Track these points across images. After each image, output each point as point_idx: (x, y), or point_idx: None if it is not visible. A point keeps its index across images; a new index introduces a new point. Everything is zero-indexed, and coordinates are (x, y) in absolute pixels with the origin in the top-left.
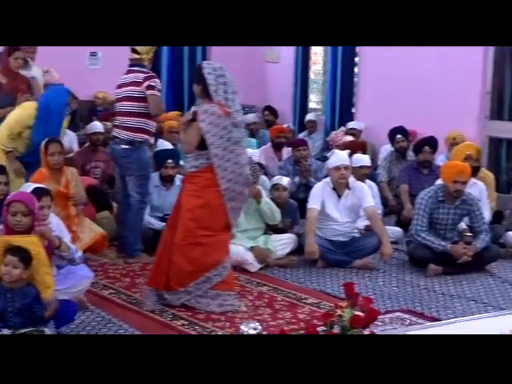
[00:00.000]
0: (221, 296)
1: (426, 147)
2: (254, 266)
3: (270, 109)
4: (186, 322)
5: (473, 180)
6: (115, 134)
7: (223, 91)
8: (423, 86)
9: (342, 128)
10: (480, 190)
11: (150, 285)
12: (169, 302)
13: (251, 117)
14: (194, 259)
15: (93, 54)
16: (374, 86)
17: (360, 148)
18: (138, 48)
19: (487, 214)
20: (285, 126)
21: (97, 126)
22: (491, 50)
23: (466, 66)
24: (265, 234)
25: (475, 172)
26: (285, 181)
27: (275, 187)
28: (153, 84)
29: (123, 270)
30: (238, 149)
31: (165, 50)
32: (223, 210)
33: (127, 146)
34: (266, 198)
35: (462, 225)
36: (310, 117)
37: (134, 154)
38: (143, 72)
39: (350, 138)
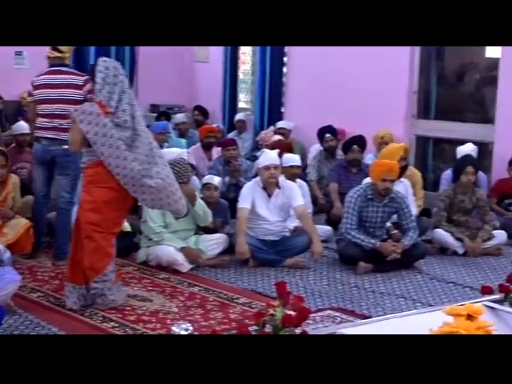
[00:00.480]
0: (118, 287)
1: (355, 146)
2: (185, 267)
3: (199, 108)
4: (116, 324)
5: (401, 179)
6: (51, 136)
7: (108, 91)
8: (351, 85)
9: (272, 127)
10: (405, 187)
11: (70, 281)
12: (88, 301)
13: (180, 117)
14: (89, 254)
15: (18, 54)
16: (303, 85)
17: (286, 148)
18: (60, 47)
19: (413, 211)
20: (214, 125)
21: (23, 126)
22: (417, 50)
23: (393, 66)
24: (196, 234)
25: (403, 171)
26: (216, 180)
27: (206, 187)
28: (91, 88)
29: (52, 273)
30: (124, 146)
31: (92, 49)
32: (113, 207)
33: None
34: (199, 200)
35: (387, 222)
36: (239, 116)
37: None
38: (77, 74)
39: (278, 138)
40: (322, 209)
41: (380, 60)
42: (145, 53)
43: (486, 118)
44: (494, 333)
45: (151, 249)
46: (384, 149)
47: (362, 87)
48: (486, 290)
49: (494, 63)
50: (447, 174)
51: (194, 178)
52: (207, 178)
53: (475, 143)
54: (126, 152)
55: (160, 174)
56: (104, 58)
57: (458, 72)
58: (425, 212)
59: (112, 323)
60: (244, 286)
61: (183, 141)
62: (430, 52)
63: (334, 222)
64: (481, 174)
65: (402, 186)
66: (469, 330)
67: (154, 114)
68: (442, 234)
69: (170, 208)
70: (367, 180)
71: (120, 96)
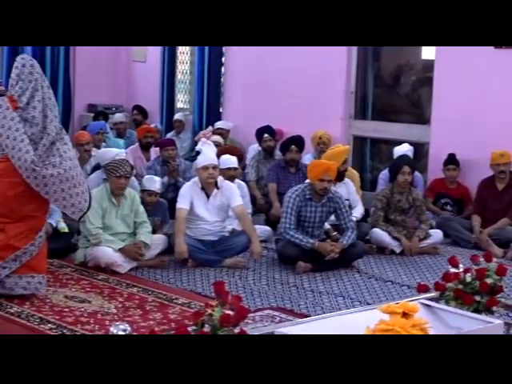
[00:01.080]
0: (24, 278)
1: (293, 146)
2: (124, 268)
3: (138, 108)
4: (53, 326)
5: (343, 181)
6: None
7: (20, 87)
8: (289, 85)
9: (210, 127)
10: (347, 187)
11: None
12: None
13: (118, 116)
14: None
15: None
16: (241, 85)
17: (233, 154)
18: None
19: (360, 209)
20: (152, 125)
21: None
22: (354, 50)
23: (330, 67)
24: (134, 235)
25: (344, 174)
26: (157, 185)
27: (147, 192)
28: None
29: None
30: (27, 140)
31: (29, 49)
32: (23, 200)
33: None
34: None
35: (327, 224)
36: (177, 116)
37: None
38: None
39: (218, 138)
40: (261, 209)
41: (317, 60)
42: (81, 52)
43: (422, 118)
44: (430, 330)
45: (89, 250)
46: (329, 150)
47: (299, 87)
48: (423, 289)
49: (430, 64)
50: (384, 173)
51: (133, 178)
52: (148, 180)
53: (411, 143)
54: (27, 146)
55: (63, 164)
56: (22, 55)
57: (395, 73)
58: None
59: (50, 325)
60: (183, 287)
61: (121, 141)
62: (366, 53)
63: (272, 222)
64: (417, 173)
65: (345, 188)
66: (404, 327)
67: (92, 114)
68: (380, 234)
69: (71, 201)
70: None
71: (33, 93)
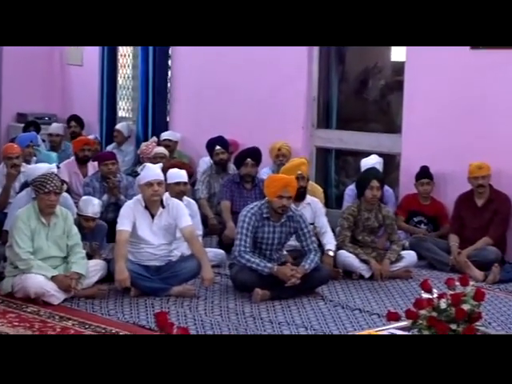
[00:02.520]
0: None
1: (249, 159)
2: (57, 298)
3: (76, 119)
4: None
5: (306, 201)
6: None
7: None
8: (244, 91)
9: (154, 138)
10: (313, 207)
11: None
12: None
13: (55, 127)
14: None
15: None
16: (191, 91)
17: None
18: None
19: (331, 237)
20: (90, 137)
21: None
22: (316, 52)
23: (290, 70)
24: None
25: (304, 193)
26: (96, 209)
27: (84, 218)
28: None
29: None
30: None
31: None
32: None
33: None
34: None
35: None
36: (118, 127)
37: None
38: None
39: (163, 150)
40: (213, 230)
41: (275, 63)
42: (9, 53)
43: (392, 127)
44: None
45: (17, 278)
46: (287, 163)
47: (255, 93)
48: (393, 317)
49: (400, 67)
50: (350, 189)
51: (66, 195)
52: (84, 203)
53: (380, 155)
54: None
55: None
56: None
57: (362, 77)
58: None
59: None
60: (125, 319)
61: (53, 154)
62: (329, 54)
63: (226, 245)
64: (387, 188)
65: (310, 210)
66: None
67: (21, 125)
68: (347, 256)
69: None
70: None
71: None
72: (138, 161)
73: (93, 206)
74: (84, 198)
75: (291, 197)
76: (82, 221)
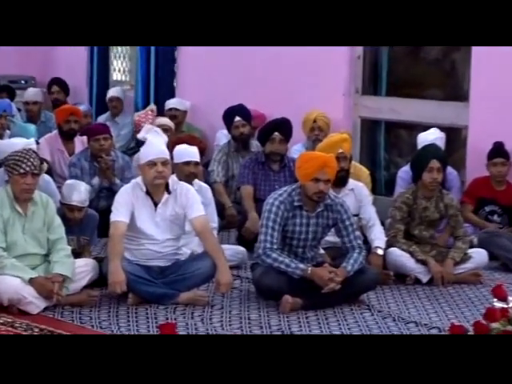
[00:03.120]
0: None
1: (276, 133)
2: (36, 306)
3: (57, 82)
4: None
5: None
6: None
7: None
8: (270, 49)
9: (152, 106)
10: (358, 195)
11: None
12: None
13: (32, 93)
14: None
15: None
16: (203, 48)
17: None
18: None
19: (380, 232)
20: (79, 106)
21: None
22: None
23: None
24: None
25: (347, 176)
26: (82, 196)
27: (69, 207)
28: None
29: None
30: None
31: None
32: None
33: None
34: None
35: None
36: (112, 93)
37: None
38: None
39: (167, 122)
40: (232, 222)
41: None
42: None
43: (457, 93)
44: None
45: None
46: (326, 139)
47: (284, 50)
48: (458, 331)
49: None
50: (404, 171)
51: (48, 178)
52: (68, 189)
53: (442, 128)
54: None
55: None
56: None
57: None
58: None
59: None
60: (121, 332)
61: (31, 127)
62: None
63: (248, 241)
64: (450, 170)
65: (353, 197)
66: None
67: None
68: (399, 255)
69: None
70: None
71: None
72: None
73: (79, 192)
74: (68, 181)
75: (329, 180)
76: (66, 211)
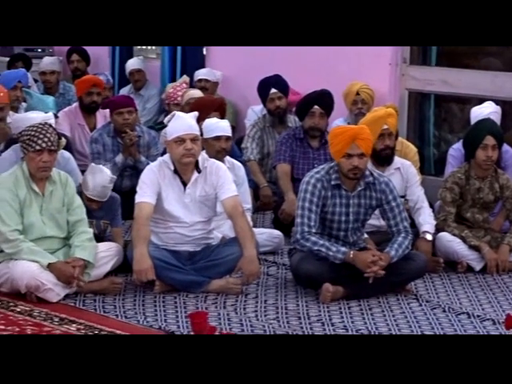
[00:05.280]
0: None
1: (316, 107)
2: (56, 293)
3: (78, 51)
4: None
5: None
6: None
7: None
8: None
9: (185, 77)
10: (404, 175)
11: None
12: None
13: (49, 62)
14: None
15: None
16: None
17: (215, 108)
18: None
19: (429, 215)
20: (100, 76)
21: None
22: None
23: None
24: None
25: (391, 157)
26: (106, 190)
27: (87, 197)
28: None
29: None
30: None
31: None
32: None
33: None
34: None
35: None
36: (132, 66)
37: None
38: None
39: (198, 94)
40: (267, 203)
41: None
42: None
43: None
44: None
45: (2, 266)
46: (369, 113)
47: None
48: None
49: None
50: (456, 149)
51: (68, 155)
52: (90, 178)
53: (498, 102)
54: None
55: None
56: None
57: None
58: None
59: None
60: (147, 323)
61: (50, 99)
62: None
63: (284, 224)
64: (507, 148)
65: (399, 177)
66: None
67: (5, 59)
68: (450, 241)
69: None
70: None
71: None
72: (164, 109)
73: (101, 186)
74: (91, 168)
75: (364, 154)
76: (84, 198)
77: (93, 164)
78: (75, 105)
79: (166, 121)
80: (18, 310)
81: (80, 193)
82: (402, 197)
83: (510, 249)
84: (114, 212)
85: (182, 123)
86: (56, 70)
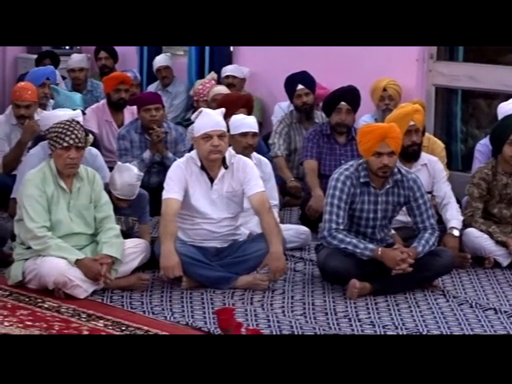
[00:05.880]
0: None
1: (343, 103)
2: (84, 290)
3: (106, 48)
4: None
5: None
6: None
7: None
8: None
9: (213, 74)
10: (431, 171)
11: None
12: None
13: (78, 60)
14: None
15: None
16: None
17: (242, 105)
18: None
19: (456, 211)
20: (128, 73)
21: None
22: None
23: None
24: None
25: (418, 153)
26: (133, 188)
27: (116, 195)
28: None
29: None
30: None
31: None
32: None
33: None
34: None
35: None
36: (159, 62)
37: None
38: None
39: (224, 90)
40: (295, 199)
41: None
42: None
43: None
44: None
45: (30, 263)
46: (396, 110)
47: None
48: None
49: None
50: (483, 144)
51: (96, 152)
52: (118, 177)
53: None
54: None
55: None
56: None
57: None
58: None
59: None
60: (175, 319)
61: (77, 96)
62: None
63: (312, 220)
64: None
65: (426, 173)
66: None
67: (34, 56)
68: (477, 236)
69: None
70: None
71: None
72: (191, 105)
73: (129, 185)
74: (119, 167)
75: (394, 152)
76: (113, 197)
77: (120, 163)
78: (103, 102)
79: (193, 118)
80: (46, 306)
81: (108, 191)
82: (429, 193)
83: None
84: (142, 209)
85: (209, 120)
86: (84, 67)
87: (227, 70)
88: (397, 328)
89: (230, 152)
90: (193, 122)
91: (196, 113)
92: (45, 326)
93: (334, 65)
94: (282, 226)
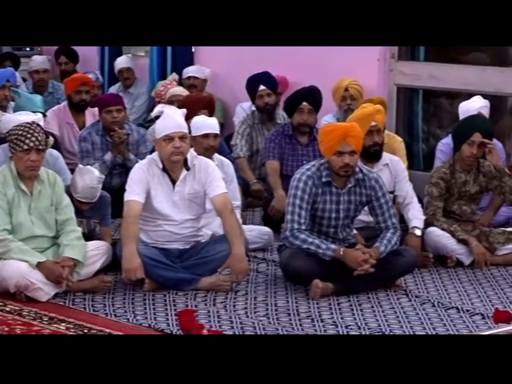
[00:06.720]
0: None
1: (305, 103)
2: (45, 293)
3: (66, 52)
4: None
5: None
6: None
7: None
8: None
9: (175, 75)
10: (392, 170)
11: None
12: None
13: (39, 61)
14: None
15: None
16: None
17: (203, 106)
18: None
19: (418, 210)
20: (89, 75)
21: None
22: None
23: None
24: (55, 244)
25: (379, 153)
26: (94, 191)
27: (76, 198)
28: None
29: None
30: None
31: None
32: None
33: None
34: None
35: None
36: (120, 64)
37: None
38: None
39: (181, 91)
40: (259, 197)
41: None
42: None
43: (504, 58)
44: None
45: None
46: (357, 110)
47: None
48: (503, 318)
49: None
50: (445, 143)
51: (57, 154)
52: (78, 180)
53: (486, 96)
54: None
55: None
56: None
57: None
58: None
59: None
60: (137, 321)
61: (38, 98)
62: None
63: (274, 221)
64: (495, 142)
65: (388, 173)
66: None
67: None
68: (439, 236)
69: None
70: None
71: None
72: (153, 107)
73: (90, 188)
74: (80, 170)
75: (355, 151)
76: (74, 200)
77: (81, 165)
78: (64, 103)
79: (152, 115)
80: (8, 309)
81: (70, 194)
82: (391, 192)
83: (498, 242)
84: (103, 211)
85: (170, 121)
86: (48, 69)
87: (189, 71)
88: (359, 328)
89: (191, 153)
90: (153, 122)
91: (155, 109)
92: (6, 329)
93: (295, 65)
94: (245, 227)
